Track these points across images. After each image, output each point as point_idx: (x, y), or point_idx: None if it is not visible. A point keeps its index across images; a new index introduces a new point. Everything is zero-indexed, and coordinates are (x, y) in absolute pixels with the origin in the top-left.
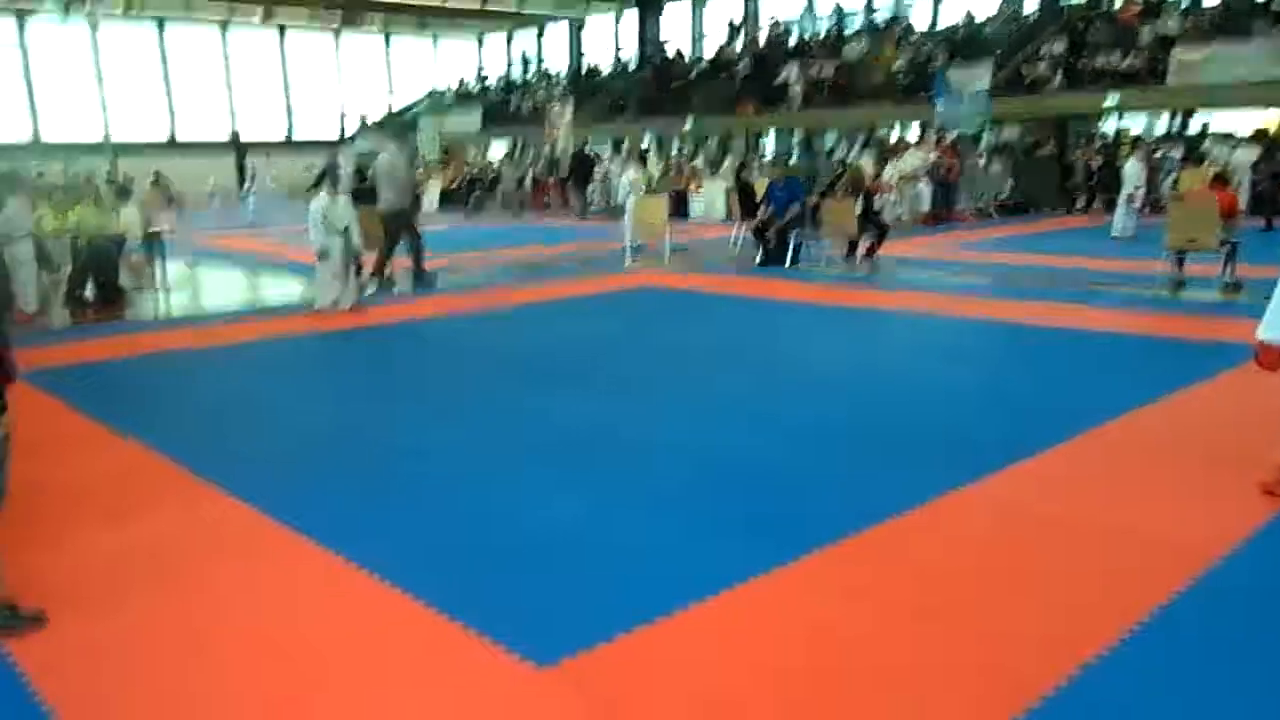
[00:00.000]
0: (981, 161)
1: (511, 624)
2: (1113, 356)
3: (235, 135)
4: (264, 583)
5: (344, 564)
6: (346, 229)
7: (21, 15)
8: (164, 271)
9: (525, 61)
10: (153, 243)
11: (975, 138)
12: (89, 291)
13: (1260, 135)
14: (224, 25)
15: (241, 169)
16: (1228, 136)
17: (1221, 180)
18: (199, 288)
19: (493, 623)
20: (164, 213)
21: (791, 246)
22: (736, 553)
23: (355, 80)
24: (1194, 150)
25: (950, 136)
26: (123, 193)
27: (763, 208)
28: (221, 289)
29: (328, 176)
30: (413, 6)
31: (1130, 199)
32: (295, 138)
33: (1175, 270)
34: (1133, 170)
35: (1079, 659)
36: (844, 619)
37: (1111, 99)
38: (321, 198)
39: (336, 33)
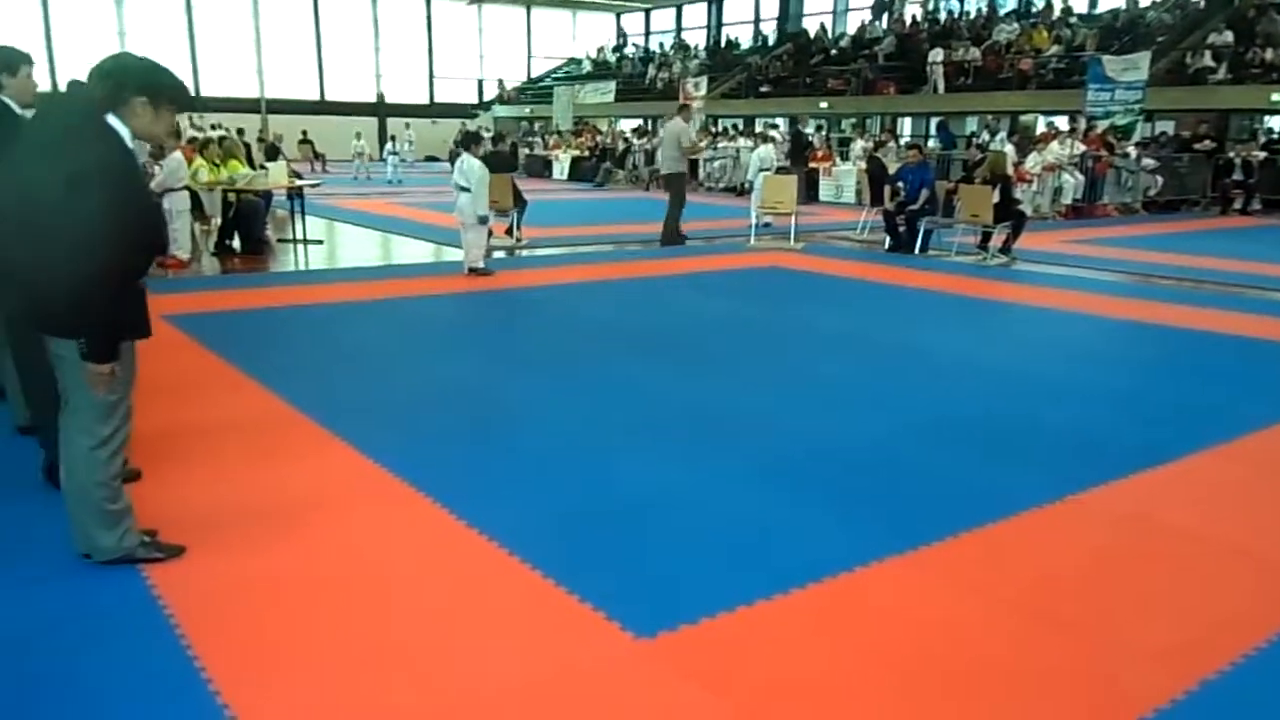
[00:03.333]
0: (1132, 154)
1: (612, 592)
2: (1262, 365)
3: (380, 97)
4: (381, 534)
5: (455, 521)
6: (477, 193)
7: None
8: (305, 227)
9: (619, 39)
10: (297, 198)
11: (1127, 129)
12: (236, 243)
13: None
14: None
15: (383, 131)
16: None
17: None
18: (336, 245)
19: (594, 590)
20: (310, 170)
21: (921, 233)
22: (847, 538)
23: (495, 49)
24: None
25: (1100, 127)
26: (272, 150)
27: (890, 190)
28: (358, 248)
29: (471, 140)
30: None
31: None
32: (436, 102)
33: None
34: None
35: (1197, 675)
36: (954, 615)
37: None
38: (473, 161)
39: (480, 2)
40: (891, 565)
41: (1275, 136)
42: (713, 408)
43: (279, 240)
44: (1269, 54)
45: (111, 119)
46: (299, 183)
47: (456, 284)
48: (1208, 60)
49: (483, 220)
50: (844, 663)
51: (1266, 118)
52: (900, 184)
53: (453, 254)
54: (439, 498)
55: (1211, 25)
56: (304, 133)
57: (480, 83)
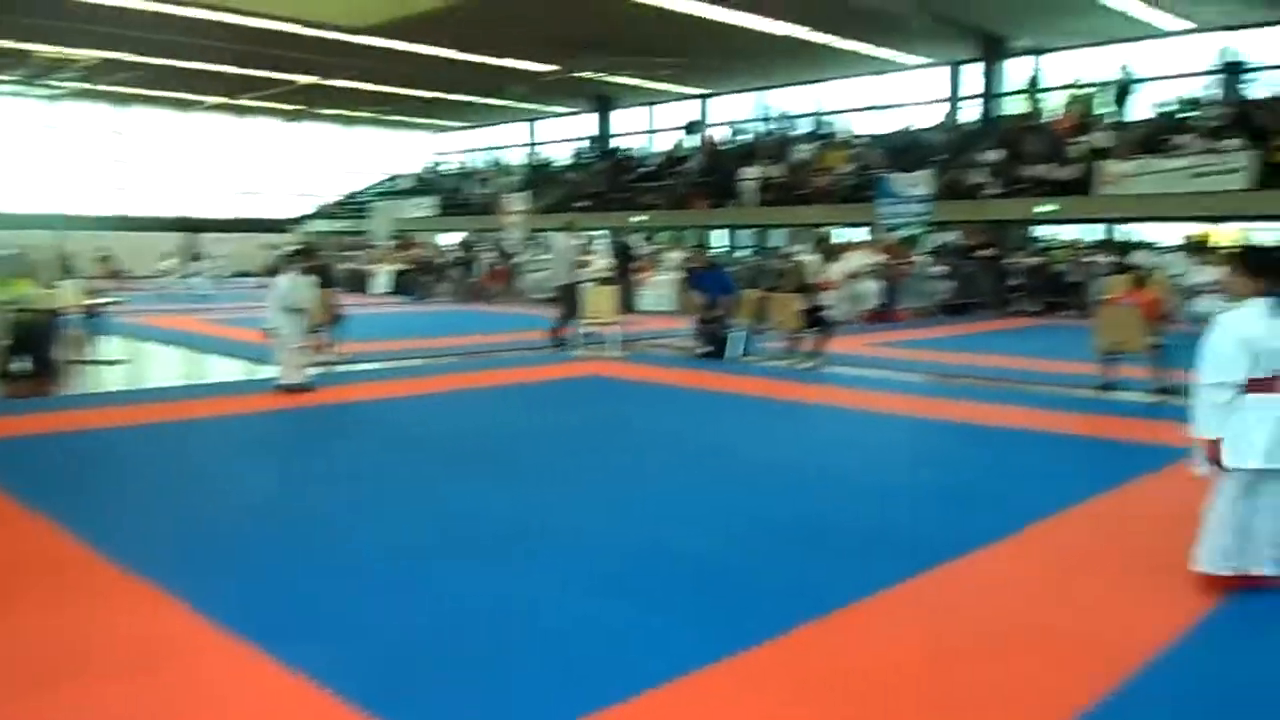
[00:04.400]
0: (924, 262)
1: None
2: (1046, 456)
3: (187, 214)
4: (181, 683)
5: (265, 659)
6: (303, 309)
7: None
8: (102, 348)
9: (438, 157)
10: (93, 318)
11: (917, 240)
12: (24, 365)
13: (1200, 245)
14: (184, 106)
15: (192, 247)
16: (1151, 246)
17: (1140, 284)
18: (139, 365)
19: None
20: (109, 288)
21: (735, 340)
22: (671, 646)
23: (312, 164)
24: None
25: (894, 238)
26: (64, 268)
27: (696, 299)
28: (162, 366)
29: (295, 257)
30: (371, 94)
31: None
32: (248, 217)
33: (1107, 372)
34: None
35: None
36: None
37: (1044, 206)
38: (287, 277)
39: (295, 118)
40: (714, 672)
41: (1042, 245)
42: (535, 519)
43: (74, 362)
44: (1034, 170)
45: None
46: (96, 301)
47: (270, 401)
48: (980, 177)
49: (296, 335)
50: None
51: (1037, 226)
52: (699, 291)
53: (267, 371)
54: (247, 633)
55: (984, 144)
56: (103, 250)
57: (298, 198)
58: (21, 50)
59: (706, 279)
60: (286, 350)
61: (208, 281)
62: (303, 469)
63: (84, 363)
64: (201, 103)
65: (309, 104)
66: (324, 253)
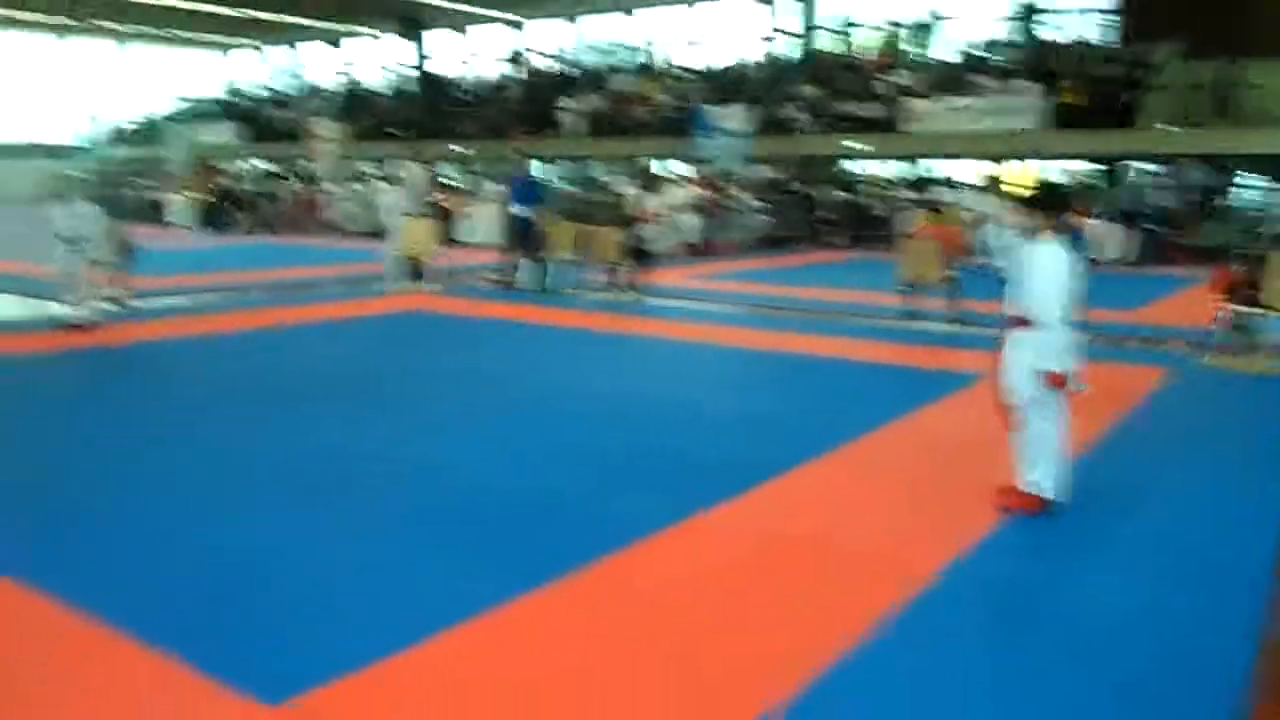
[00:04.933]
0: (742, 197)
1: (242, 662)
2: (855, 383)
3: None
4: None
5: (65, 609)
6: (80, 239)
7: None
8: None
9: (240, 78)
10: None
11: (733, 174)
12: None
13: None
14: None
15: None
16: (951, 182)
17: (940, 219)
18: None
19: (222, 662)
20: None
21: (552, 273)
22: (485, 582)
23: (90, 85)
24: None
25: (713, 171)
26: None
27: (513, 205)
28: None
29: (77, 184)
30: (154, 8)
31: None
32: (23, 142)
33: (909, 303)
34: None
35: (808, 672)
36: (582, 654)
37: (854, 142)
38: (67, 206)
39: (63, 33)
40: (531, 602)
41: (851, 180)
42: (349, 457)
43: None
44: (845, 107)
45: None
46: None
47: (55, 342)
48: (795, 113)
49: (82, 268)
50: (479, 713)
51: (845, 162)
52: (515, 202)
53: (55, 308)
54: (47, 585)
55: (799, 80)
56: None
57: (83, 120)
58: None
59: (521, 189)
60: (70, 285)
61: None
62: (108, 412)
63: None
64: None
65: (85, 18)
66: (115, 180)
